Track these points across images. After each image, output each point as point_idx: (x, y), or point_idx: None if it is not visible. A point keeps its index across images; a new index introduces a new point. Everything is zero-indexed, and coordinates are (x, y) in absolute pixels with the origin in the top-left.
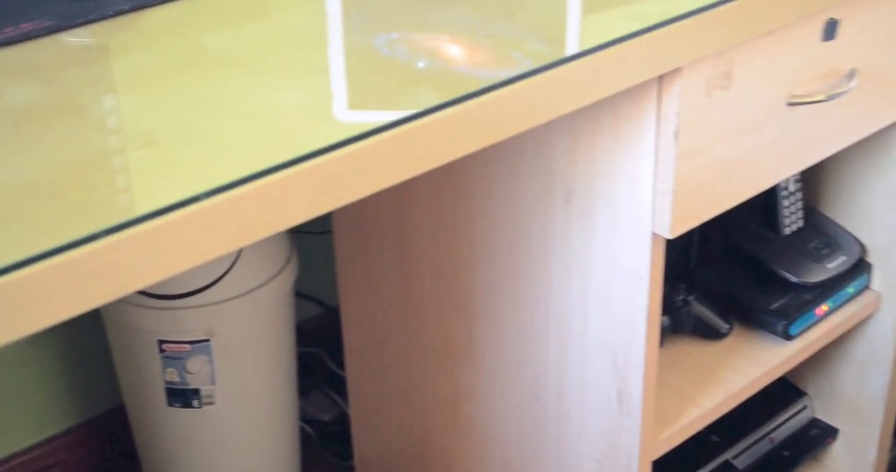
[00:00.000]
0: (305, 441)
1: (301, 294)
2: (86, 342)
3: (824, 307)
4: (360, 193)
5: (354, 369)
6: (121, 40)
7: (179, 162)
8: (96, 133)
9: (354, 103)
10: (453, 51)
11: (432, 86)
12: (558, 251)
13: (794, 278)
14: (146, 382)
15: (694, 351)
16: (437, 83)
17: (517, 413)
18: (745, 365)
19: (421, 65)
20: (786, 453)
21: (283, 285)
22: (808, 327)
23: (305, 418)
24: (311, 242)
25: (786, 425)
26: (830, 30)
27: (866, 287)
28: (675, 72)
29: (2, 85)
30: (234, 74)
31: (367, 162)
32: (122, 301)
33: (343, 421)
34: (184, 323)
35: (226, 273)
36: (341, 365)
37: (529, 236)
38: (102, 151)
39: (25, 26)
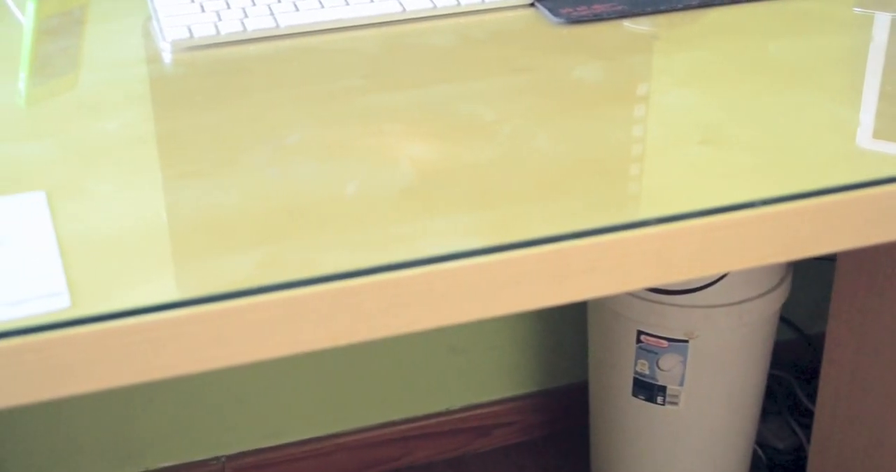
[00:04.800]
0: (754, 465)
1: (781, 317)
2: (564, 315)
3: None
4: None
5: (825, 404)
6: (684, 34)
7: (734, 164)
8: (653, 120)
9: None
10: None
11: None
12: None
13: None
14: (616, 367)
15: None
16: None
17: None
18: None
19: None
20: None
21: (772, 304)
22: None
23: (759, 440)
24: (804, 266)
25: None
26: None
27: None
28: None
29: (573, 61)
30: (795, 85)
31: None
32: None
33: (798, 453)
34: (667, 319)
35: (718, 280)
36: (809, 395)
37: None
38: (657, 139)
39: (598, 8)
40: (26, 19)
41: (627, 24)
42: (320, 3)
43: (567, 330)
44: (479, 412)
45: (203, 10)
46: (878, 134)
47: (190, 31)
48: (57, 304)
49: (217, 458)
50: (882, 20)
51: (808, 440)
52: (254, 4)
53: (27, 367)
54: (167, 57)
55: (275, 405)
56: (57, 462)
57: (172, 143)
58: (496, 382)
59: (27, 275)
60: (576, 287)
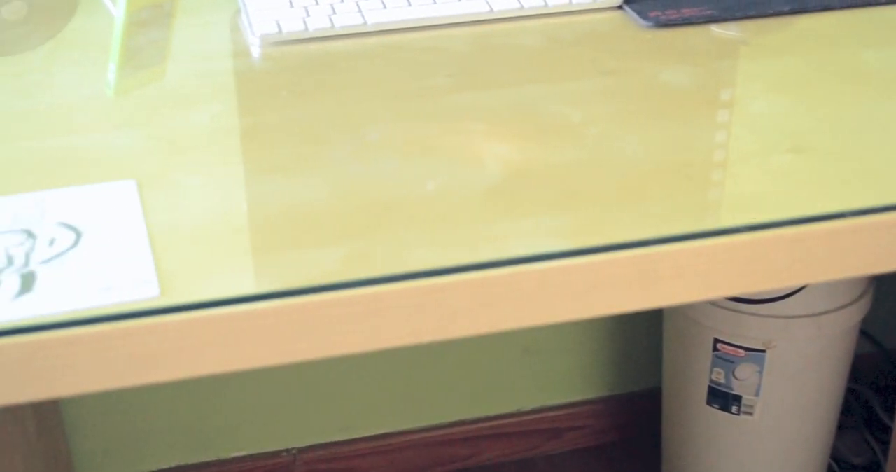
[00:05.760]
0: None
1: (861, 330)
2: (639, 320)
3: None
4: None
5: None
6: (773, 40)
7: (824, 174)
8: (741, 127)
9: None
10: None
11: None
12: None
13: None
14: (691, 375)
15: None
16: None
17: None
18: None
19: None
20: None
21: (852, 317)
22: None
23: (834, 455)
24: (887, 279)
25: None
26: None
27: None
28: None
29: (660, 65)
30: (888, 94)
31: None
32: None
33: (873, 469)
34: (744, 329)
35: (798, 290)
36: (887, 410)
37: None
38: (745, 146)
39: (687, 12)
40: (117, 11)
41: (716, 28)
42: (408, 1)
43: (642, 335)
44: (550, 414)
45: (292, 6)
46: None
47: (279, 25)
48: (146, 292)
49: (288, 450)
50: None
51: (885, 457)
52: (342, 1)
53: (114, 353)
54: (255, 51)
55: (347, 400)
56: (131, 450)
57: (258, 136)
58: (568, 384)
59: (118, 261)
60: (662, 292)
